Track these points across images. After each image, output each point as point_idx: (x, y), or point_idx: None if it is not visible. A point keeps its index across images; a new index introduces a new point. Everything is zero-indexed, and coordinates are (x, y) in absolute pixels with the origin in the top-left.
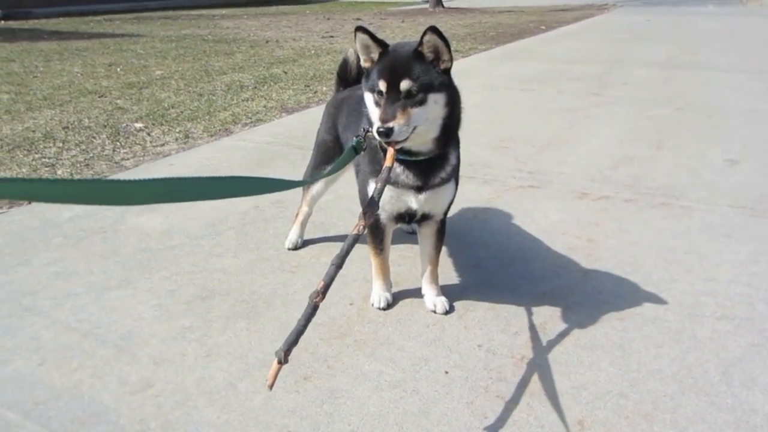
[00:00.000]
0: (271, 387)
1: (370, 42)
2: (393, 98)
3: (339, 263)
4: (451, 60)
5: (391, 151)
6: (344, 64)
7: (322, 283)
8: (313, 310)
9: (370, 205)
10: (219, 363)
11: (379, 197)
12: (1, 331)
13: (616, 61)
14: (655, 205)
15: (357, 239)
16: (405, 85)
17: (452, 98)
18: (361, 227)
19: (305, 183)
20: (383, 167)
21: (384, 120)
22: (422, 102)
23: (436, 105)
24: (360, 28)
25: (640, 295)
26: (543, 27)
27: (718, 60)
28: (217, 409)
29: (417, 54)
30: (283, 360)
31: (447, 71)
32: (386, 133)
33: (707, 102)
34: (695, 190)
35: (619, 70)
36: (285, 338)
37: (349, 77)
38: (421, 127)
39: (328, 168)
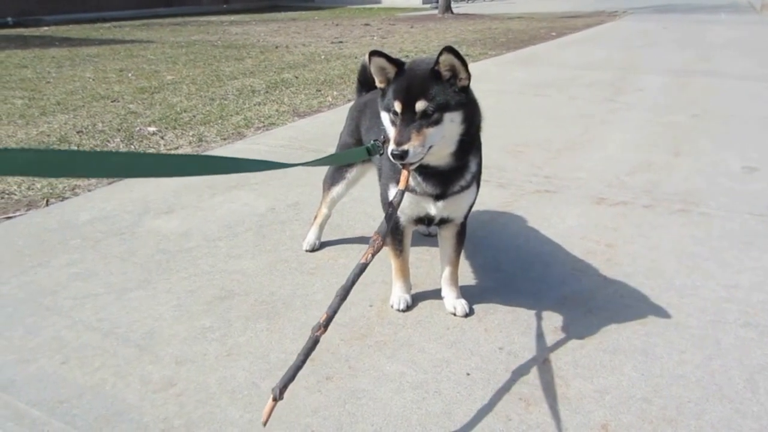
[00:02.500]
0: (264, 423)
1: (385, 64)
2: (408, 119)
3: (344, 294)
4: (468, 78)
5: (404, 173)
6: (363, 69)
7: (325, 315)
8: (313, 344)
9: (380, 232)
10: (240, 362)
11: (390, 223)
12: (23, 331)
13: (629, 68)
14: (673, 212)
15: (364, 269)
16: (420, 105)
17: (469, 115)
18: (370, 255)
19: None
20: (397, 190)
21: (399, 143)
22: (438, 122)
23: (452, 124)
24: (375, 52)
25: (662, 301)
26: (554, 33)
27: (732, 67)
28: (240, 408)
29: (433, 73)
30: (278, 397)
31: (465, 89)
32: (401, 156)
33: (723, 109)
34: (714, 197)
35: (632, 77)
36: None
37: (369, 81)
38: (437, 146)
39: (347, 167)
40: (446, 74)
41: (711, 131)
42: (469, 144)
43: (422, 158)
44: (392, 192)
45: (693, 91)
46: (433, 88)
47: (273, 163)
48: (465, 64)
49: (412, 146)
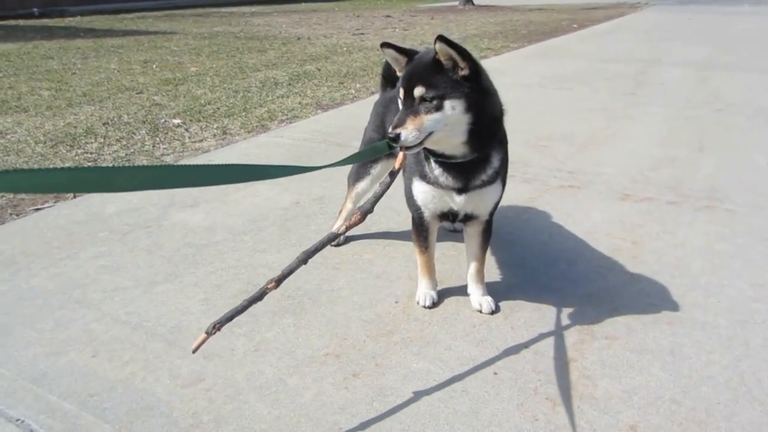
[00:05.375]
0: (193, 351)
1: (396, 54)
2: (409, 105)
3: (304, 258)
4: (469, 67)
5: (400, 156)
6: (387, 65)
7: (280, 273)
8: (260, 295)
9: (361, 208)
10: (268, 358)
11: (375, 202)
12: (54, 323)
13: (652, 61)
14: (699, 208)
15: (334, 238)
16: (418, 92)
17: (476, 104)
18: (343, 227)
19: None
20: (389, 171)
21: (395, 126)
22: (438, 108)
23: (453, 111)
24: (384, 44)
25: (688, 299)
26: (575, 25)
27: (756, 61)
28: (268, 404)
29: (435, 61)
30: (210, 332)
31: (469, 78)
32: (394, 138)
33: (747, 103)
34: (739, 193)
35: (655, 70)
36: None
37: (393, 77)
38: (439, 133)
39: (371, 163)
40: (447, 63)
41: (735, 126)
42: (484, 136)
43: (420, 143)
44: (416, 185)
45: (716, 84)
46: (432, 76)
47: (296, 168)
48: (461, 53)
49: (405, 130)
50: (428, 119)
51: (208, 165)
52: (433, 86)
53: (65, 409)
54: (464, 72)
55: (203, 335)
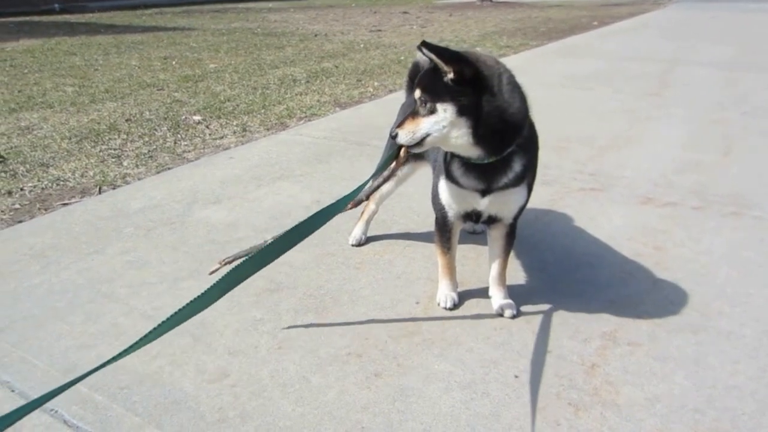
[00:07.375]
0: (210, 274)
1: (419, 57)
2: (414, 107)
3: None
4: (455, 71)
5: (401, 154)
6: (415, 66)
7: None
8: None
9: (353, 197)
10: (291, 356)
11: (372, 192)
12: (83, 317)
13: (676, 60)
14: (725, 215)
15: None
16: (417, 94)
17: (473, 107)
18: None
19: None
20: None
21: (397, 126)
22: (432, 111)
23: (445, 114)
24: (421, 46)
25: (714, 308)
26: (595, 23)
27: None
28: (291, 401)
29: (434, 65)
30: (222, 262)
31: (461, 81)
32: (393, 137)
33: None
34: (767, 200)
35: (679, 70)
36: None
37: None
38: (435, 135)
39: (385, 168)
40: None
41: (763, 130)
42: (495, 138)
43: (418, 143)
44: (441, 184)
45: (742, 86)
46: (430, 80)
47: (338, 204)
48: (442, 57)
49: (402, 131)
50: (424, 122)
51: (271, 242)
52: (427, 90)
53: (96, 401)
54: (450, 76)
55: (217, 264)
